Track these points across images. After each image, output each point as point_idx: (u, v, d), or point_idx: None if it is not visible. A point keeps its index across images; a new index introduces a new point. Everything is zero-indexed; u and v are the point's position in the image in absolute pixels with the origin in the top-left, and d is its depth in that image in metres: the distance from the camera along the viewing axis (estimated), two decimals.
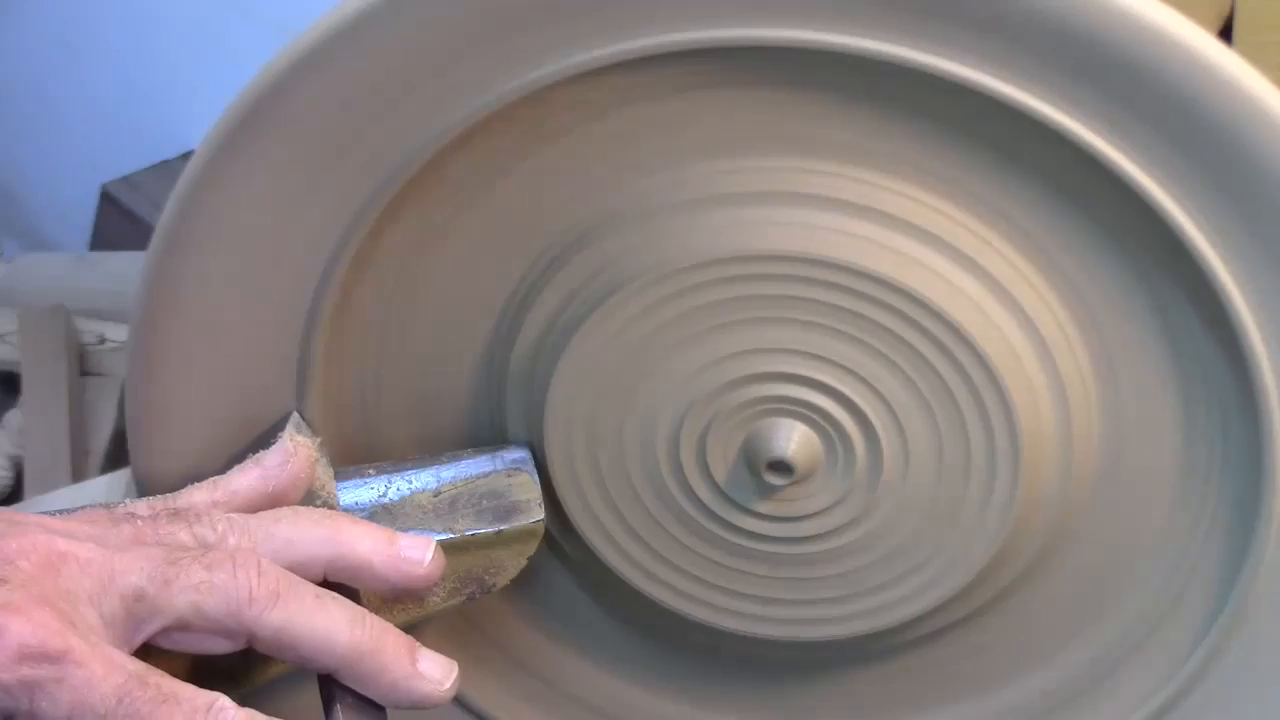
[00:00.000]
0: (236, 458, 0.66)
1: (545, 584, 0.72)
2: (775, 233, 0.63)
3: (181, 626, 0.59)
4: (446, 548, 0.65)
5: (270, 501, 0.64)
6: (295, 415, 0.67)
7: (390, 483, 0.67)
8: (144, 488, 0.68)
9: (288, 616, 0.59)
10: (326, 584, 0.62)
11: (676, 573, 0.69)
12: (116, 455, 1.08)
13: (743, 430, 0.65)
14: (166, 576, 0.59)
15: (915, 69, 0.59)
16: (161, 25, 1.32)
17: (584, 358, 0.65)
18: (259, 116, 0.62)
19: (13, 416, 1.09)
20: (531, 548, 0.68)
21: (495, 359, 0.68)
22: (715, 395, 0.65)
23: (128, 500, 0.64)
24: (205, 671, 0.61)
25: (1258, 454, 0.63)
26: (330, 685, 0.61)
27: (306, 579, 0.61)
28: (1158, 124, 0.58)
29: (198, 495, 0.64)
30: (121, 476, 0.97)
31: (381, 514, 0.67)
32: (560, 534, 0.70)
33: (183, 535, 0.61)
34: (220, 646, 0.60)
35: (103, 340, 1.13)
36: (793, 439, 0.65)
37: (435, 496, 0.67)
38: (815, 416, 0.65)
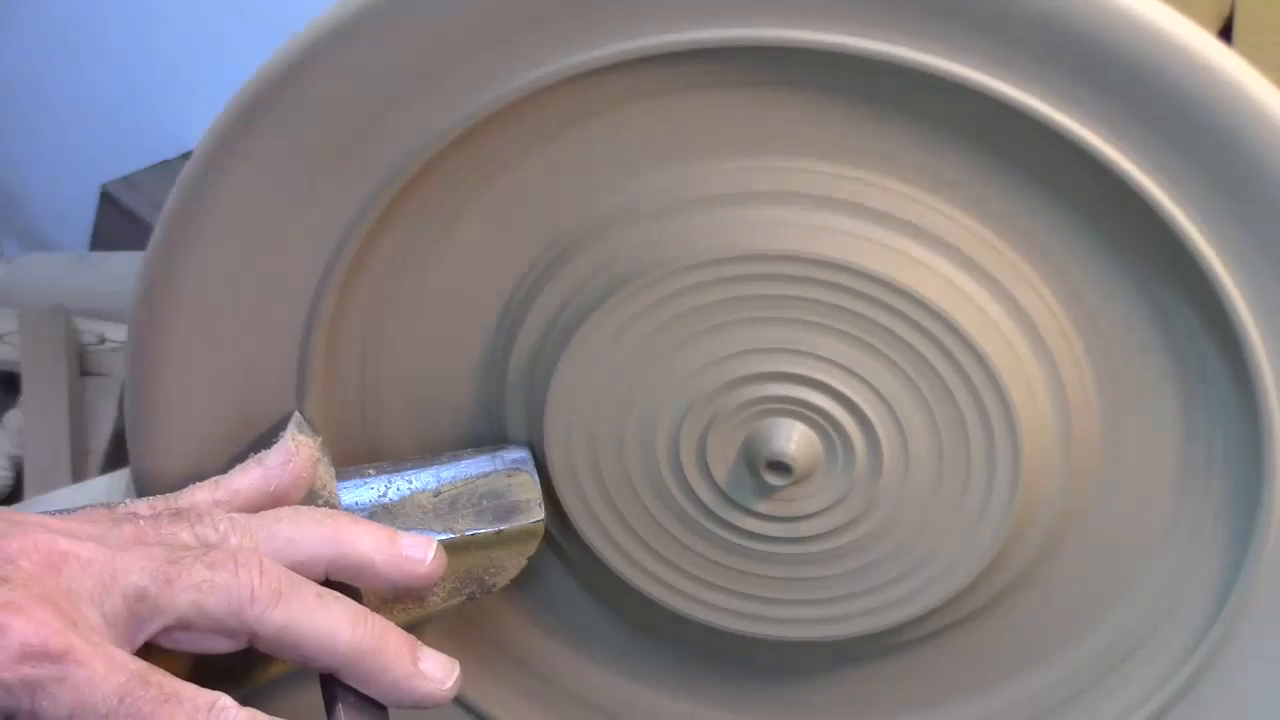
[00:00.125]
0: (237, 457, 0.66)
1: (545, 584, 0.72)
2: (775, 233, 0.63)
3: (183, 626, 0.59)
4: (447, 548, 0.65)
5: (272, 501, 0.64)
6: (297, 415, 0.67)
7: (390, 483, 0.67)
8: (144, 488, 0.68)
9: (290, 616, 0.59)
10: (328, 583, 0.62)
11: (676, 573, 0.69)
12: (116, 455, 1.08)
13: (743, 430, 0.65)
14: (168, 576, 0.59)
15: (915, 69, 0.59)
16: (161, 25, 1.32)
17: (584, 358, 0.65)
18: (258, 116, 0.62)
19: (13, 416, 1.09)
20: (531, 548, 0.68)
21: (495, 359, 0.68)
22: (715, 395, 0.65)
23: (129, 500, 0.64)
24: (207, 671, 0.61)
25: (1257, 454, 0.63)
26: (332, 684, 0.61)
27: (308, 578, 0.61)
28: (1158, 124, 0.58)
29: (199, 495, 0.64)
30: (121, 476, 0.97)
31: (381, 514, 0.67)
32: (560, 534, 0.70)
33: (184, 535, 0.61)
34: (222, 646, 0.60)
35: (103, 340, 1.13)
36: (792, 439, 0.65)
37: (435, 496, 0.67)
38: (815, 416, 0.65)
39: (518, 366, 0.67)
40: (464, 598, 0.67)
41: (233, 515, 0.62)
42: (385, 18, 0.60)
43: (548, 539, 0.69)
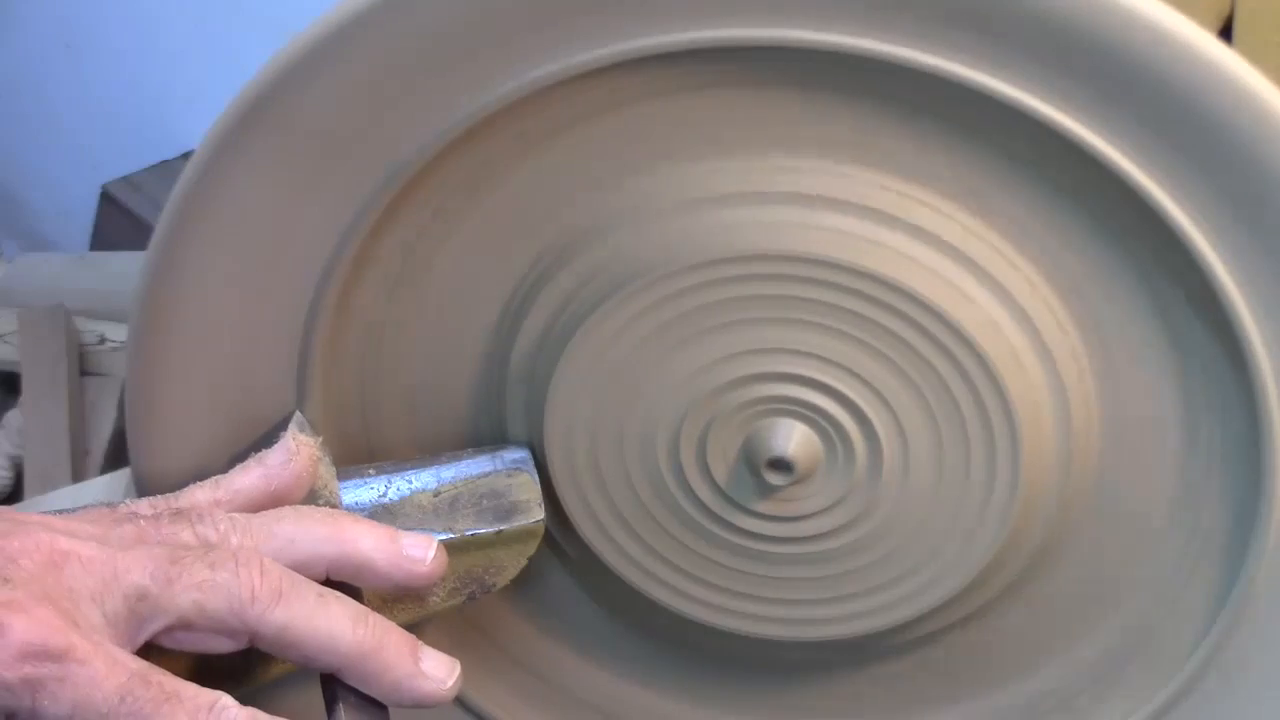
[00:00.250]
0: (238, 457, 0.66)
1: (545, 584, 0.72)
2: (775, 233, 0.63)
3: (184, 625, 0.59)
4: (447, 547, 0.65)
5: (272, 501, 0.64)
6: (298, 414, 0.67)
7: (390, 483, 0.67)
8: (144, 488, 0.68)
9: (290, 615, 0.59)
10: (329, 583, 0.62)
11: (676, 573, 0.69)
12: (116, 455, 1.08)
13: (743, 430, 0.65)
14: (169, 575, 0.59)
15: (915, 69, 0.59)
16: (162, 25, 1.32)
17: (584, 358, 0.65)
18: (259, 116, 0.62)
19: (13, 416, 1.09)
20: (531, 548, 0.68)
21: (495, 358, 0.68)
22: (715, 395, 0.65)
23: (129, 500, 0.64)
24: (207, 671, 0.61)
25: (1257, 453, 0.63)
26: (333, 684, 0.61)
27: (309, 578, 0.61)
28: (1158, 124, 0.58)
29: (200, 494, 0.64)
30: (121, 476, 0.97)
31: (382, 514, 0.67)
32: (560, 534, 0.70)
33: (185, 534, 0.61)
34: (223, 646, 0.60)
35: (103, 340, 1.13)
36: (792, 439, 0.65)
37: (435, 496, 0.67)
38: (815, 416, 0.65)
39: (518, 366, 0.67)
40: (464, 598, 0.67)
41: (233, 515, 0.62)
42: (385, 18, 0.60)
43: (548, 539, 0.69)
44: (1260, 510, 0.64)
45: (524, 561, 0.68)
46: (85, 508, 0.63)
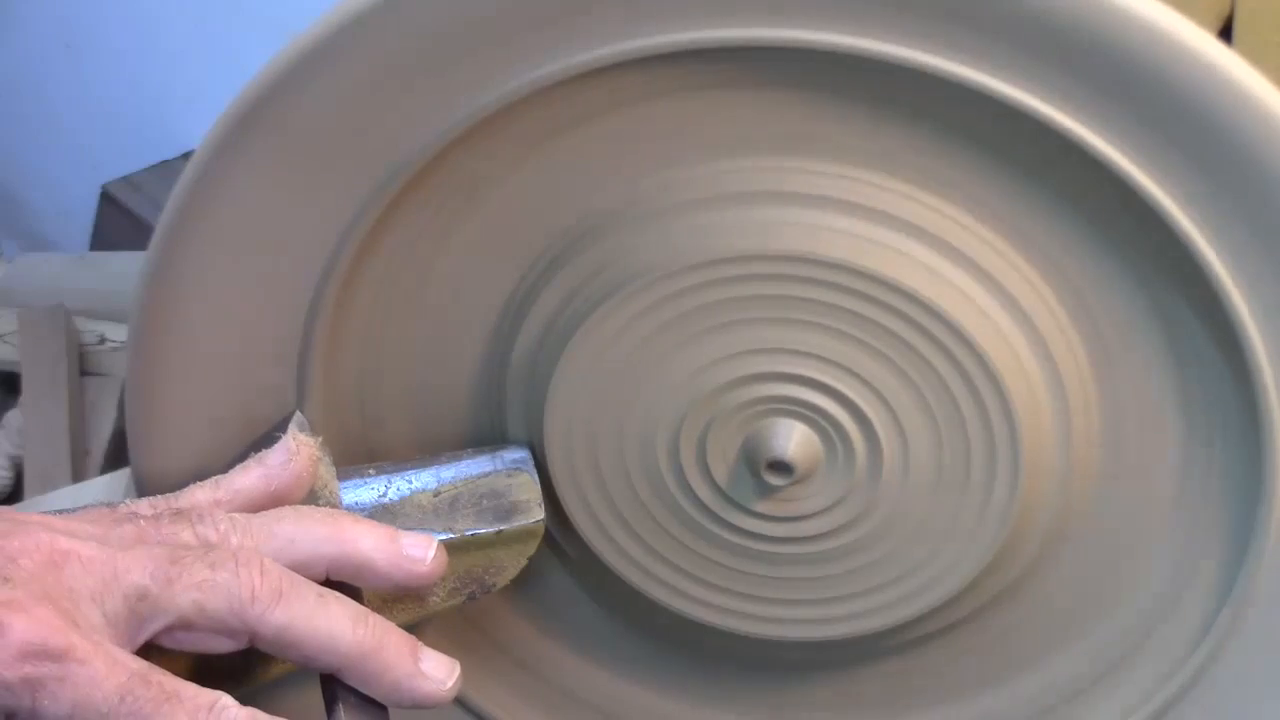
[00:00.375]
0: (238, 457, 0.66)
1: (545, 584, 0.72)
2: (775, 233, 0.63)
3: (184, 625, 0.59)
4: (447, 547, 0.65)
5: (272, 500, 0.64)
6: (298, 414, 0.67)
7: (390, 483, 0.67)
8: (144, 488, 0.68)
9: (290, 616, 0.59)
10: (329, 583, 0.62)
11: (676, 573, 0.69)
12: (116, 455, 1.08)
13: (743, 430, 0.65)
14: (169, 575, 0.59)
15: (916, 69, 0.59)
16: (162, 25, 1.32)
17: (584, 358, 0.65)
18: (259, 116, 0.62)
19: (13, 416, 1.09)
20: (531, 548, 0.68)
21: (495, 359, 0.68)
22: (715, 395, 0.65)
23: (129, 500, 0.64)
24: (207, 671, 0.61)
25: (1257, 454, 0.63)
26: (332, 684, 0.61)
27: (309, 578, 0.61)
28: (1158, 124, 0.58)
29: (200, 494, 0.64)
30: (121, 476, 0.97)
31: (382, 514, 0.67)
32: (560, 534, 0.70)
33: (185, 534, 0.61)
34: (223, 646, 0.60)
35: (103, 340, 1.13)
36: (792, 439, 0.65)
37: (435, 496, 0.67)
38: (815, 416, 0.65)
39: (518, 366, 0.67)
40: (464, 598, 0.67)
41: (233, 515, 0.62)
42: (385, 18, 0.60)
43: (548, 539, 0.69)
44: (1260, 510, 0.64)
45: (524, 561, 0.68)
46: (85, 508, 0.63)
